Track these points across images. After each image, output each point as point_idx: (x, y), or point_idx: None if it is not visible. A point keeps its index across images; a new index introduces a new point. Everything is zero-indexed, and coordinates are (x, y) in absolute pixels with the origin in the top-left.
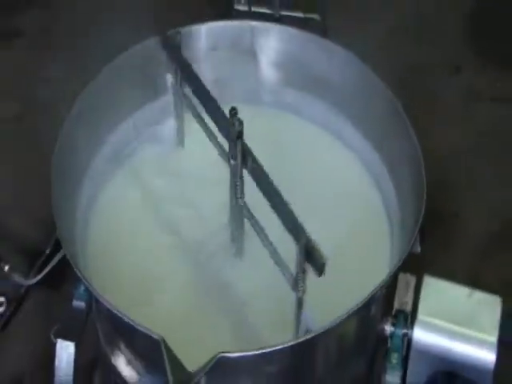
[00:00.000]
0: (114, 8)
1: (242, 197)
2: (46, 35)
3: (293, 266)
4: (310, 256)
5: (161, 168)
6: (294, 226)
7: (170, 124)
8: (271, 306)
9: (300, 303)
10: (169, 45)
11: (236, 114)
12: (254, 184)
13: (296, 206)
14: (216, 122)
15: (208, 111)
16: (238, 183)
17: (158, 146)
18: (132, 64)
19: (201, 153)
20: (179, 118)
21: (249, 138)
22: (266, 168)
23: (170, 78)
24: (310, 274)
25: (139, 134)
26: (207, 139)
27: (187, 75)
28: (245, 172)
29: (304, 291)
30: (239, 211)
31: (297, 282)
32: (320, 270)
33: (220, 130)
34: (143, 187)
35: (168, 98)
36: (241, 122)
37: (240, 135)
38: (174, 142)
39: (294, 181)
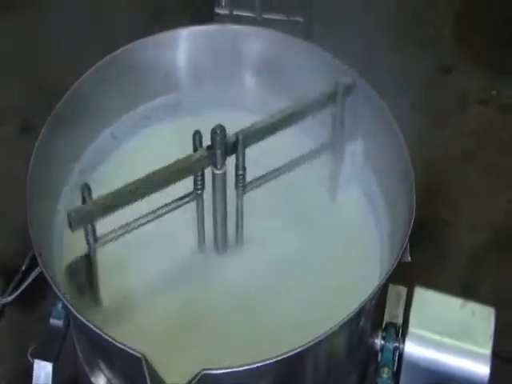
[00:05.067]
0: None
1: (245, 184)
2: None
3: None
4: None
5: None
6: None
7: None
8: (258, 318)
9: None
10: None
11: (200, 137)
12: None
13: (282, 214)
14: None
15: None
16: (241, 173)
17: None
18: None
19: None
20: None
21: None
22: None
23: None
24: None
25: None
26: None
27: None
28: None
29: None
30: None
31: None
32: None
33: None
34: None
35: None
36: (222, 128)
37: (225, 141)
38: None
39: (280, 189)
